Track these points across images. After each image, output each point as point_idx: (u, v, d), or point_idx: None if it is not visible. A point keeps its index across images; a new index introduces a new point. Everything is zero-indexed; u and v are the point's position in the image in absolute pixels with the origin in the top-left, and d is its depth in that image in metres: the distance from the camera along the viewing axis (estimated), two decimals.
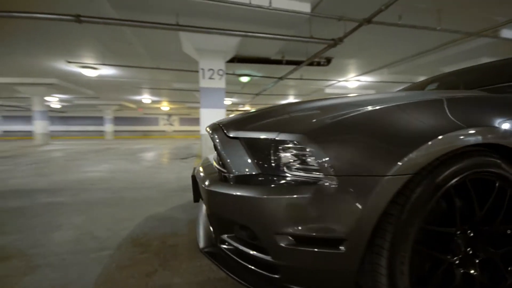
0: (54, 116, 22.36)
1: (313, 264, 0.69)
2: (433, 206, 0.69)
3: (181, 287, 1.11)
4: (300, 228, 0.68)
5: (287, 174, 0.75)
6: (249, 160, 0.80)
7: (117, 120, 20.46)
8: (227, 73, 8.14)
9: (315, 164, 0.69)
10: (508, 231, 0.80)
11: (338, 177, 0.66)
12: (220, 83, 5.37)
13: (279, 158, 0.76)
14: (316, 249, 0.68)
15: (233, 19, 4.43)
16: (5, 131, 20.96)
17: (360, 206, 0.65)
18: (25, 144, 11.36)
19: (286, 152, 0.75)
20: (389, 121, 0.74)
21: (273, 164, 0.77)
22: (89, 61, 7.64)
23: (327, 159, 0.67)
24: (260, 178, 0.78)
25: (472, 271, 0.77)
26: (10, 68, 8.56)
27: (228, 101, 16.13)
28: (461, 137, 0.70)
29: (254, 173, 0.79)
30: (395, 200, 0.67)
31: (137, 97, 15.66)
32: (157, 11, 4.18)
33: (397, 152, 0.66)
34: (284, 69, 7.51)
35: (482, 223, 0.78)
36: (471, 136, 0.71)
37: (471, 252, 0.78)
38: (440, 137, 0.68)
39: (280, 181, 0.74)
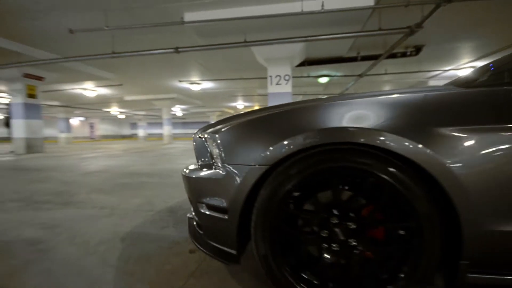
0: (177, 122, 29.06)
1: (214, 225, 1.01)
2: (289, 191, 0.86)
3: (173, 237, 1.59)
4: (207, 199, 1.02)
5: (209, 163, 1.09)
6: (204, 152, 1.18)
7: None
8: (303, 76, 8.38)
9: (217, 155, 1.01)
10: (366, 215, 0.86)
11: (226, 164, 0.95)
12: (286, 87, 5.71)
13: (207, 150, 1.11)
14: (215, 214, 0.99)
15: (294, 26, 4.69)
16: (149, 134, 28.69)
17: (235, 187, 0.92)
18: (157, 143, 15.37)
19: (209, 147, 1.10)
20: (258, 127, 0.96)
21: (205, 154, 1.13)
22: (194, 78, 9.69)
23: (222, 151, 0.98)
24: (200, 164, 1.16)
25: (338, 250, 0.87)
26: (149, 89, 11.94)
27: None
28: (299, 140, 0.85)
29: (202, 161, 1.17)
30: (259, 184, 0.90)
31: (233, 104, 18.04)
32: (230, 33, 4.99)
33: (259, 149, 0.89)
34: (364, 65, 6.99)
35: (335, 206, 0.89)
36: (309, 138, 0.84)
37: (320, 230, 0.88)
38: (285, 142, 0.86)
39: (204, 166, 1.10)
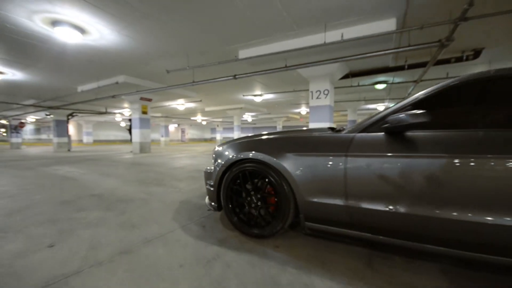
0: (248, 127, 31.89)
1: (210, 193, 2.19)
2: (234, 178, 1.96)
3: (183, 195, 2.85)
4: (208, 181, 2.23)
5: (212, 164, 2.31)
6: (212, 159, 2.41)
7: (284, 128, 25.48)
8: (353, 86, 8.66)
9: (213, 160, 2.21)
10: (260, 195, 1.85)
11: (217, 163, 2.14)
12: (325, 101, 6.41)
13: (212, 158, 2.34)
14: (210, 188, 2.19)
15: (329, 50, 5.43)
16: (224, 137, 32.59)
17: (216, 175, 2.09)
18: None
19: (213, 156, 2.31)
20: (226, 148, 2.09)
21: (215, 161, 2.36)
22: (256, 92, 11.26)
23: (214, 158, 2.17)
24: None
25: (252, 206, 1.92)
26: (222, 102, 14.31)
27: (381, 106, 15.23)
28: (234, 156, 1.93)
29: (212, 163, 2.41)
30: (225, 173, 2.04)
31: (297, 110, 18.93)
32: (274, 61, 6.14)
33: (225, 159, 2.04)
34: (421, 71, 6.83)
35: (252, 188, 1.91)
36: (240, 155, 1.91)
37: (249, 199, 1.92)
38: (230, 156, 1.97)
39: (210, 166, 2.33)
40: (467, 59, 5.92)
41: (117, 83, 8.26)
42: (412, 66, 6.40)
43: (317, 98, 6.52)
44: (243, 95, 11.62)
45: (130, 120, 12.63)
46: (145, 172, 5.29)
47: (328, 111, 6.41)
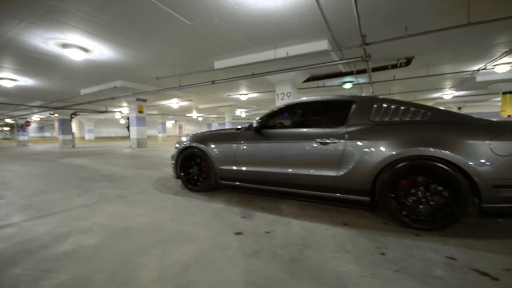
0: (242, 122, 32.94)
1: (173, 167, 3.58)
2: (184, 157, 3.34)
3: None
4: (172, 161, 3.62)
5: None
6: None
7: None
8: (319, 86, 9.95)
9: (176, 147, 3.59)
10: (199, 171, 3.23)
11: (176, 149, 3.51)
12: (288, 101, 7.76)
13: None
14: (173, 164, 3.57)
15: (289, 61, 6.74)
16: None
17: (176, 155, 3.48)
18: None
19: None
20: (186, 138, 3.48)
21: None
22: (241, 92, 12.58)
23: (176, 145, 3.55)
24: None
25: (195, 174, 3.31)
26: (212, 100, 15.64)
27: None
28: (185, 144, 3.31)
29: None
30: (180, 155, 3.41)
31: None
32: (244, 69, 7.46)
33: (181, 145, 3.42)
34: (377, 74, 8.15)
35: (194, 163, 3.31)
36: (188, 143, 3.29)
37: (192, 170, 3.32)
38: (185, 143, 3.35)
39: None
40: (401, 66, 7.24)
41: (115, 87, 9.61)
42: (359, 72, 7.72)
43: (282, 99, 7.86)
44: (228, 95, 12.96)
45: (128, 118, 14.00)
46: (140, 161, 6.70)
47: None
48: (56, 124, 22.30)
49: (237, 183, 2.95)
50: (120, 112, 19.37)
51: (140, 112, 12.15)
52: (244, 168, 2.85)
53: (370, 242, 1.80)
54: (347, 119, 2.38)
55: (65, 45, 6.01)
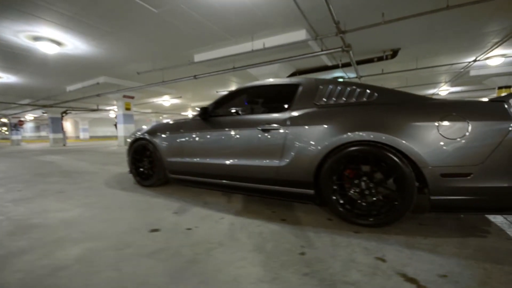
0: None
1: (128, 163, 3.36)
2: (135, 150, 3.10)
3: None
4: (127, 155, 3.39)
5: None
6: None
7: None
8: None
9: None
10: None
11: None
12: None
13: None
14: (126, 159, 3.34)
15: (264, 54, 6.49)
16: None
17: (128, 149, 3.24)
18: None
19: None
20: (137, 130, 3.25)
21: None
22: (231, 88, 12.33)
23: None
24: None
25: (145, 167, 3.07)
26: (203, 97, 15.42)
27: None
28: (135, 136, 3.07)
29: None
30: (131, 147, 3.18)
31: None
32: (225, 63, 7.21)
33: (132, 137, 3.19)
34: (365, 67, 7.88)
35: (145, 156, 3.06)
36: (137, 135, 3.05)
37: (143, 163, 3.08)
38: (138, 134, 3.11)
39: None
40: (387, 58, 6.95)
41: (98, 83, 9.40)
42: (345, 65, 7.44)
43: None
44: (217, 91, 12.72)
45: (115, 117, 13.80)
46: (113, 158, 6.48)
47: None
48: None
49: (186, 176, 2.71)
50: (113, 110, 19.20)
51: (128, 109, 11.94)
52: (190, 160, 2.61)
53: (297, 240, 1.55)
54: (291, 103, 2.13)
55: (36, 38, 5.79)
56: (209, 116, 2.56)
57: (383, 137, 1.63)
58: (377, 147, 1.67)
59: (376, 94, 1.84)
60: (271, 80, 2.42)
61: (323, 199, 1.89)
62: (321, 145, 1.84)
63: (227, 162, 2.34)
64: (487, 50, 7.10)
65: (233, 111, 2.55)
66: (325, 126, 1.86)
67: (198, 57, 7.01)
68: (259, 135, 2.16)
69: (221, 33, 5.63)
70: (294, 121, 2.02)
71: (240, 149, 2.27)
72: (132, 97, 11.91)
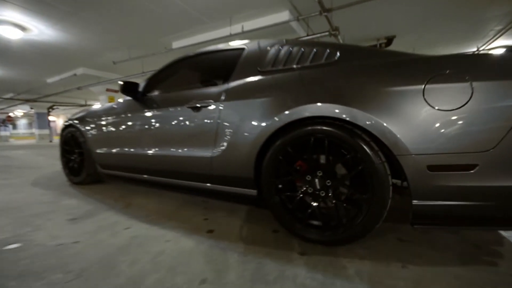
0: None
1: None
2: (64, 140, 2.56)
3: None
4: None
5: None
6: None
7: None
8: None
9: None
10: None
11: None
12: None
13: None
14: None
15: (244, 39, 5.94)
16: None
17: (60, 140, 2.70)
18: None
19: None
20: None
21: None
22: None
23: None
24: None
25: (76, 161, 2.52)
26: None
27: None
28: (65, 123, 2.52)
29: None
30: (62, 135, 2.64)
31: None
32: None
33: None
34: None
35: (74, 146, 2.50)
36: (68, 122, 2.50)
37: (72, 156, 2.53)
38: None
39: None
40: (381, 46, 6.39)
41: (75, 75, 8.85)
42: None
43: None
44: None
45: None
46: None
47: None
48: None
49: (116, 172, 2.16)
50: None
51: None
52: (120, 151, 2.06)
53: (205, 267, 1.00)
54: (232, 72, 1.58)
55: None
56: (142, 95, 2.01)
57: (337, 111, 1.09)
58: (335, 127, 1.13)
59: (338, 53, 1.29)
60: (214, 47, 1.87)
61: (266, 202, 1.35)
62: (262, 125, 1.29)
63: (157, 153, 1.79)
64: (489, 40, 6.55)
65: (169, 87, 2.00)
66: (267, 99, 1.31)
67: (176, 44, 6.45)
68: (189, 116, 1.61)
69: (198, 16, 5.08)
70: (230, 95, 1.47)
71: (169, 136, 1.72)
72: (117, 91, 11.35)
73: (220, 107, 1.47)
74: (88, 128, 2.31)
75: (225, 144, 1.43)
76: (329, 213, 1.20)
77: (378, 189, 1.05)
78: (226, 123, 1.43)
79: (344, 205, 1.16)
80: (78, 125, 2.39)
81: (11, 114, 19.66)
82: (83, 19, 5.20)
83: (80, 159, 2.48)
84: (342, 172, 1.22)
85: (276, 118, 1.24)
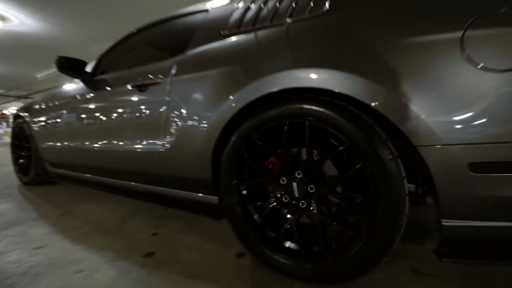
0: None
1: None
2: (14, 134, 2.18)
3: None
4: None
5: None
6: None
7: None
8: None
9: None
10: None
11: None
12: None
13: None
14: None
15: None
16: None
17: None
18: None
19: None
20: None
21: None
22: None
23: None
24: None
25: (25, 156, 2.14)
26: None
27: None
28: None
29: None
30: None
31: None
32: None
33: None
34: None
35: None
36: (18, 113, 2.12)
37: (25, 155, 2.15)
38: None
39: None
40: None
41: None
42: None
43: None
44: None
45: None
46: None
47: None
48: None
49: (63, 170, 1.78)
50: None
51: None
52: (64, 145, 1.68)
53: None
54: (190, 40, 1.20)
55: None
56: (91, 76, 1.63)
57: (323, 77, 0.71)
58: (321, 104, 0.74)
59: (327, 4, 0.90)
60: (173, 13, 1.48)
61: (224, 213, 0.96)
62: (220, 107, 0.91)
63: (101, 147, 1.41)
64: None
65: (123, 66, 1.61)
66: (226, 69, 0.93)
67: None
68: (133, 98, 1.23)
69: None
70: (182, 68, 1.09)
71: (112, 125, 1.34)
72: None
73: (170, 85, 1.09)
74: (34, 119, 1.93)
75: (175, 133, 1.05)
76: (313, 234, 0.82)
77: (387, 200, 0.66)
78: (176, 105, 1.05)
79: (334, 223, 0.77)
80: (25, 116, 2.01)
81: (5, 112, 19.30)
82: (64, 7, 4.83)
83: (29, 155, 2.09)
84: (333, 174, 0.84)
85: (236, 96, 0.86)
